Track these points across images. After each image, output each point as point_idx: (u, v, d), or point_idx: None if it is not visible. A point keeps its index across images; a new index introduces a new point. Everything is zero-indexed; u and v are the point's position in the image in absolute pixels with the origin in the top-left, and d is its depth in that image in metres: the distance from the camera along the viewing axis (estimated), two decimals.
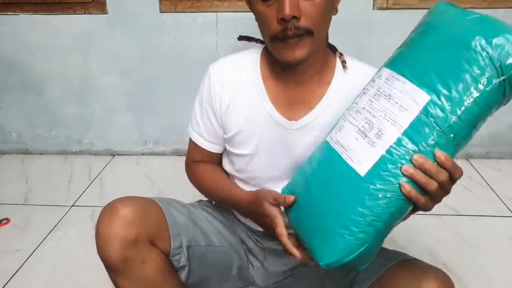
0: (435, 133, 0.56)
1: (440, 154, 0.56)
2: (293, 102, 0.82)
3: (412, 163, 0.56)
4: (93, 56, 1.82)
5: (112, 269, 0.74)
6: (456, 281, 0.85)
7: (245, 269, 0.95)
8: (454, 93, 0.55)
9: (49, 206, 1.62)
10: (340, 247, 0.60)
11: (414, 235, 1.32)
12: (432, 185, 0.56)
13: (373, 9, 1.63)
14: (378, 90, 0.62)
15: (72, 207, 1.62)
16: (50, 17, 1.75)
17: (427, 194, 0.58)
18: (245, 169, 0.87)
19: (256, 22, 0.76)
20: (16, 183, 1.80)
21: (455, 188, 0.60)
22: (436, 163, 0.56)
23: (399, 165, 0.56)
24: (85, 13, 1.73)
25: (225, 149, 0.91)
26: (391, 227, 0.60)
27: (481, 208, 1.52)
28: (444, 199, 0.61)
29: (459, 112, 0.55)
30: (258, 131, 0.83)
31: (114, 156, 2.02)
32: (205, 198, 0.99)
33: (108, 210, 0.75)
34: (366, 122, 0.62)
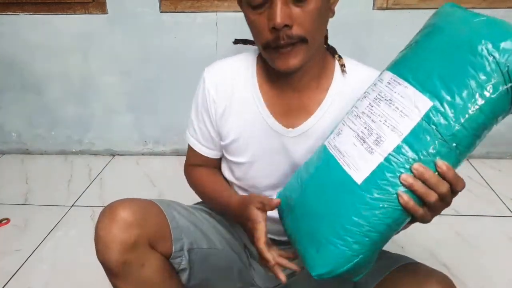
0: (436, 142, 0.53)
1: (442, 164, 0.53)
2: (291, 109, 0.80)
3: (412, 172, 0.53)
4: (93, 56, 1.82)
5: (111, 273, 0.73)
6: (456, 281, 0.85)
7: (246, 271, 0.95)
8: (458, 100, 0.52)
9: (49, 206, 1.62)
10: (333, 257, 0.58)
11: (414, 235, 1.32)
12: (432, 196, 0.54)
13: (373, 9, 1.63)
14: (379, 94, 0.60)
15: (72, 207, 1.62)
16: (50, 17, 1.75)
17: (426, 206, 0.55)
18: (244, 177, 0.86)
19: None
20: (16, 183, 1.80)
21: None
22: (437, 173, 0.53)
23: (398, 174, 0.54)
24: (85, 13, 1.73)
25: (223, 155, 0.90)
26: (387, 238, 0.58)
27: (481, 208, 1.52)
28: None
29: (462, 120, 0.52)
30: (255, 139, 0.82)
31: (114, 156, 2.02)
32: None
33: (108, 212, 0.73)
34: (365, 128, 0.59)
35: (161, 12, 1.70)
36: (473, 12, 0.56)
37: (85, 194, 1.70)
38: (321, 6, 0.68)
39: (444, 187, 0.54)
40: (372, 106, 0.60)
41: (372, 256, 0.59)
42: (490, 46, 0.51)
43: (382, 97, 0.59)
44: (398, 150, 0.54)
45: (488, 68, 0.51)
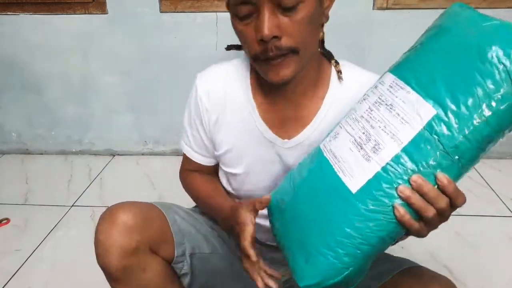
0: (438, 153, 0.49)
1: (442, 177, 0.49)
2: (286, 119, 0.76)
3: (410, 184, 0.50)
4: (93, 56, 1.82)
5: (112, 277, 0.71)
6: (456, 281, 0.85)
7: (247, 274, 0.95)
8: (463, 109, 0.48)
9: (49, 206, 1.62)
10: (322, 269, 0.55)
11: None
12: (430, 211, 0.50)
13: (373, 9, 1.63)
14: (379, 98, 0.56)
15: (72, 207, 1.61)
16: (50, 17, 1.75)
17: (423, 220, 0.52)
18: (241, 187, 0.84)
19: None
20: (16, 183, 1.80)
21: None
22: (436, 186, 0.50)
23: (395, 185, 0.51)
24: (85, 13, 1.73)
25: (219, 166, 0.87)
26: (380, 251, 0.55)
27: (481, 208, 1.52)
28: None
29: (467, 132, 0.48)
30: (249, 150, 0.79)
31: (114, 156, 2.02)
32: None
33: (108, 215, 0.72)
34: (363, 133, 0.56)
35: (161, 12, 1.70)
36: (484, 15, 0.52)
37: (85, 194, 1.70)
38: (313, 13, 0.63)
39: (443, 202, 0.51)
40: (371, 110, 0.56)
41: (365, 267, 0.56)
42: (501, 53, 0.47)
43: (383, 101, 0.55)
44: (396, 159, 0.51)
45: (497, 77, 0.47)
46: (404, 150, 0.51)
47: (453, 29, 0.53)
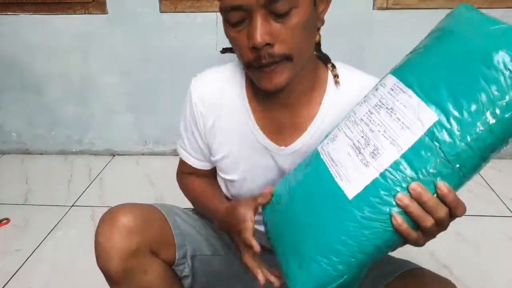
0: (438, 161, 0.48)
1: (442, 185, 0.48)
2: (282, 126, 0.75)
3: (409, 192, 0.48)
4: (93, 56, 1.82)
5: (112, 280, 0.70)
6: (456, 281, 0.85)
7: (247, 275, 0.95)
8: (466, 116, 0.46)
9: (49, 206, 1.62)
10: (316, 275, 0.53)
11: None
12: (428, 221, 0.49)
13: (373, 9, 1.63)
14: (380, 101, 0.54)
15: (72, 207, 1.62)
16: (50, 17, 1.75)
17: (421, 230, 0.50)
18: (239, 193, 0.83)
19: None
20: (16, 183, 1.80)
21: None
22: (436, 195, 0.48)
23: (393, 193, 0.49)
24: (85, 13, 1.73)
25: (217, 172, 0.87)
26: (375, 259, 0.53)
27: (481, 208, 1.52)
28: None
29: (469, 139, 0.46)
30: (245, 157, 0.78)
31: (114, 156, 2.02)
32: None
33: (108, 217, 0.71)
34: (362, 137, 0.54)
35: (161, 12, 1.70)
36: (492, 17, 0.50)
37: (85, 194, 1.70)
38: (307, 18, 0.61)
39: (442, 211, 0.49)
40: (371, 113, 0.55)
41: (359, 274, 0.55)
42: (507, 59, 0.45)
43: (383, 104, 0.54)
44: (395, 166, 0.49)
45: (503, 83, 0.45)
46: (404, 156, 0.49)
47: (459, 31, 0.51)
